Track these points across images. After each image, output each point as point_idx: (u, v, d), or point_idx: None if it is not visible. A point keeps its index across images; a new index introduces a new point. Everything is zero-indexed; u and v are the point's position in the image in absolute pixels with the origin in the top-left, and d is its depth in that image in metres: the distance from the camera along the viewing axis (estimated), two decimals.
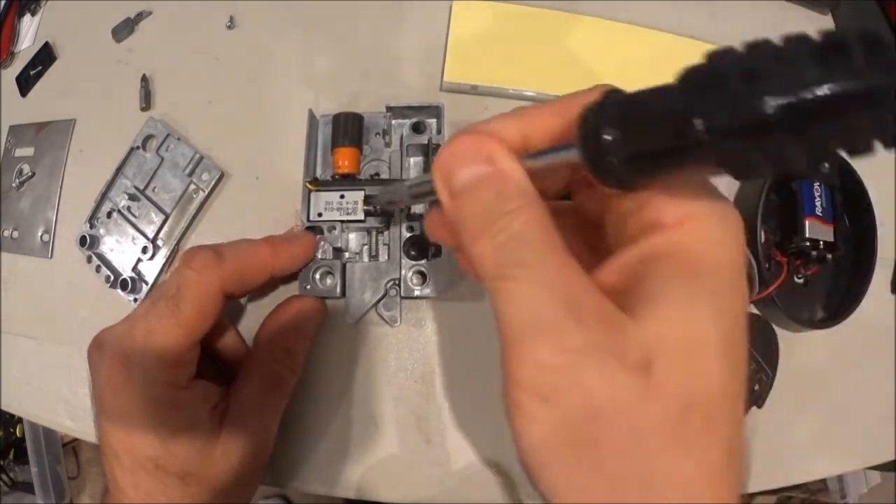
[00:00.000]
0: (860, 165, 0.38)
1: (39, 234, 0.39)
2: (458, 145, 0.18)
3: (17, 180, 0.41)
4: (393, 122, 0.33)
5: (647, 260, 0.16)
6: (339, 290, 0.31)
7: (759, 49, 0.12)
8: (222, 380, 0.29)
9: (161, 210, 0.36)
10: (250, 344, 0.31)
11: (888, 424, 0.36)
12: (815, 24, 0.43)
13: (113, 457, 0.25)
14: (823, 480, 0.96)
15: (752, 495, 0.62)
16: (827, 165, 0.31)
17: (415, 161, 0.33)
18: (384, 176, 0.33)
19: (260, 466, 0.29)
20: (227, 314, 0.29)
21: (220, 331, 0.30)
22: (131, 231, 0.36)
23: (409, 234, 0.32)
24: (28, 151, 0.42)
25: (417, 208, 0.32)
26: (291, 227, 0.33)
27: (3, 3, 0.46)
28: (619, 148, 0.14)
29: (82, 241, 0.37)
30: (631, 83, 0.41)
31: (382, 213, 0.31)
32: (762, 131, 0.11)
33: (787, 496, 1.00)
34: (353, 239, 0.32)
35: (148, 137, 0.37)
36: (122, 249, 0.37)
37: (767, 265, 0.34)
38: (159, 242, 0.36)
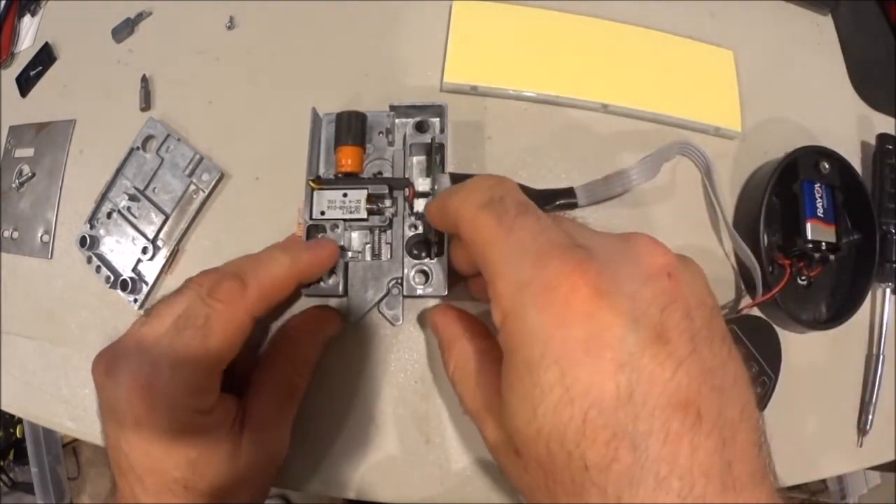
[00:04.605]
0: (859, 164, 0.39)
1: (39, 234, 0.39)
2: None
3: (17, 181, 0.41)
4: (396, 120, 0.33)
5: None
6: (341, 288, 0.31)
7: None
8: (235, 383, 0.29)
9: (161, 211, 0.36)
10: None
11: (888, 424, 0.36)
12: (815, 24, 0.43)
13: (135, 479, 0.25)
14: (823, 480, 0.96)
15: None
16: (827, 165, 0.32)
17: (417, 160, 0.33)
18: (387, 175, 0.33)
19: (275, 471, 0.29)
20: None
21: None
22: (131, 231, 0.36)
23: (411, 233, 0.32)
24: (28, 152, 0.41)
25: (419, 206, 0.32)
26: (296, 228, 0.33)
27: (3, 3, 0.46)
28: None
29: (82, 241, 0.37)
30: (630, 83, 0.42)
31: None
32: None
33: (787, 496, 1.00)
34: (356, 237, 0.32)
35: (148, 138, 0.37)
36: (122, 250, 0.37)
37: (770, 268, 0.34)
38: (159, 243, 0.36)
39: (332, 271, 0.31)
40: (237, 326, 0.25)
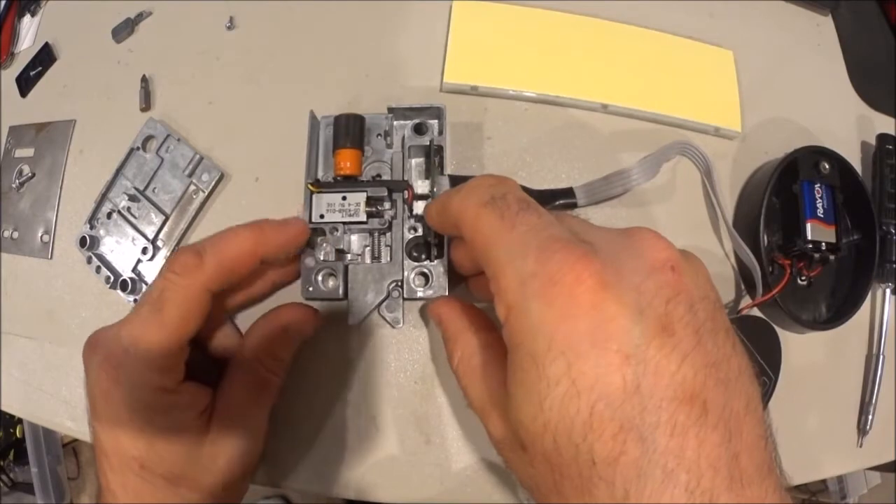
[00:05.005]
0: (859, 164, 0.39)
1: (39, 234, 0.39)
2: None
3: (17, 181, 0.41)
4: (395, 123, 0.33)
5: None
6: (341, 291, 0.31)
7: None
8: (217, 374, 0.29)
9: (161, 211, 0.36)
10: None
11: (888, 424, 0.36)
12: (815, 24, 0.43)
13: (103, 457, 0.25)
14: (823, 481, 0.96)
15: None
16: (827, 166, 0.32)
17: (416, 162, 0.33)
18: (386, 177, 0.33)
19: (249, 468, 0.29)
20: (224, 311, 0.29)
21: (214, 325, 0.30)
22: (131, 232, 0.36)
23: (411, 236, 0.32)
24: (28, 152, 0.41)
25: (418, 209, 0.32)
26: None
27: (3, 3, 0.46)
28: None
29: (82, 241, 0.37)
30: (630, 83, 0.42)
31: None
32: None
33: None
34: (356, 241, 0.32)
35: (148, 138, 0.37)
36: (121, 250, 0.37)
37: (770, 268, 0.34)
38: (159, 243, 0.36)
39: (331, 274, 0.31)
40: (190, 299, 0.25)
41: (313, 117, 0.33)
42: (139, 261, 0.36)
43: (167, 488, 0.25)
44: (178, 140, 0.37)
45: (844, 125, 0.40)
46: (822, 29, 0.43)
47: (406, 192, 0.31)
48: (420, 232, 0.32)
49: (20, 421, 1.11)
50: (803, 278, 0.35)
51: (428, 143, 0.33)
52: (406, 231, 0.32)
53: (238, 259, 0.27)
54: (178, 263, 0.25)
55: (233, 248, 0.27)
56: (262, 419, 0.29)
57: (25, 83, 0.43)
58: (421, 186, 0.33)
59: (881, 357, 0.35)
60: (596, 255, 0.19)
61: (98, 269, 0.36)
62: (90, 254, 0.37)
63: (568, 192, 0.34)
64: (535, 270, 0.19)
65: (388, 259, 0.32)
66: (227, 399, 0.28)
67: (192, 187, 0.36)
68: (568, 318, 0.18)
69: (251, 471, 0.30)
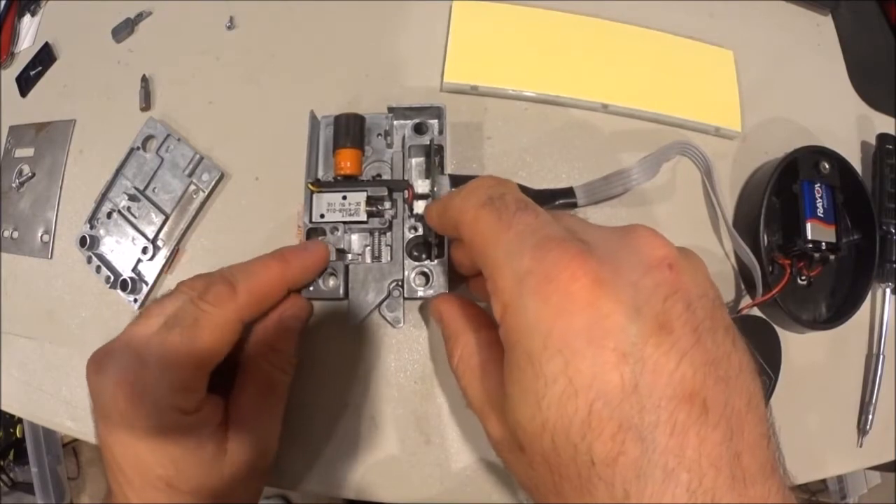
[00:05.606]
0: (859, 164, 0.39)
1: (39, 234, 0.39)
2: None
3: (17, 181, 0.41)
4: (395, 122, 0.33)
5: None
6: (341, 291, 0.31)
7: None
8: (224, 374, 0.29)
9: (161, 210, 0.36)
10: None
11: (888, 424, 0.36)
12: (815, 24, 0.43)
13: (122, 476, 0.25)
14: (823, 480, 0.96)
15: None
16: (827, 166, 0.32)
17: (416, 162, 0.33)
18: (386, 177, 0.33)
19: (266, 469, 0.29)
20: None
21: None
22: (131, 231, 0.36)
23: (411, 235, 0.32)
24: (28, 152, 0.41)
25: (419, 208, 0.32)
26: (295, 231, 0.33)
27: (3, 3, 0.46)
28: None
29: (82, 241, 0.37)
30: (630, 83, 0.42)
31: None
32: None
33: None
34: (356, 240, 0.32)
35: (148, 138, 0.37)
36: (122, 250, 0.37)
37: (770, 268, 0.34)
38: (159, 243, 0.36)
39: (331, 274, 0.31)
40: (226, 329, 0.26)
41: (313, 117, 0.33)
42: (139, 260, 0.36)
43: (191, 500, 0.25)
44: (178, 140, 0.37)
45: (844, 125, 0.40)
46: (822, 29, 0.43)
47: (406, 191, 0.31)
48: (420, 231, 0.32)
49: (20, 421, 1.11)
50: (803, 278, 0.35)
51: (428, 143, 0.33)
52: (406, 230, 0.32)
53: (269, 290, 0.28)
54: (213, 294, 0.26)
55: (263, 279, 0.28)
56: (276, 420, 0.29)
57: (25, 83, 0.43)
58: (421, 186, 0.33)
59: (881, 357, 0.35)
60: (591, 253, 0.19)
61: (98, 269, 0.36)
62: (90, 253, 0.37)
63: (568, 192, 0.34)
64: (531, 268, 0.19)
65: (389, 259, 0.32)
66: (240, 405, 0.28)
67: (192, 187, 0.36)
68: (563, 314, 0.18)
69: (268, 471, 0.30)
